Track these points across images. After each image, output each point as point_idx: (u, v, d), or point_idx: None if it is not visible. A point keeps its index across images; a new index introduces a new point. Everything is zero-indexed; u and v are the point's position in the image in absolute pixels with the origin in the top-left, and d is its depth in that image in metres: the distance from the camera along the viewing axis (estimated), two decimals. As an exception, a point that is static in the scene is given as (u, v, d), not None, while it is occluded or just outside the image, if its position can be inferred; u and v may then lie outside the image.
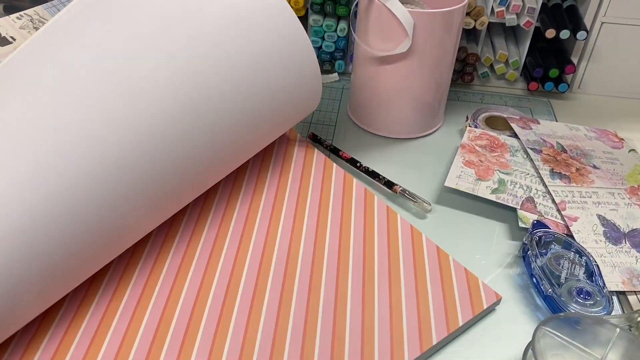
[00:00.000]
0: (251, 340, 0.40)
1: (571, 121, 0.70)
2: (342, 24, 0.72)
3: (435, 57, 0.60)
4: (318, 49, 0.74)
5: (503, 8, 0.69)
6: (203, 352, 0.39)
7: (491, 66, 0.76)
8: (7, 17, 0.64)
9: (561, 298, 0.45)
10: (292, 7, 0.70)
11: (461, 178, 0.56)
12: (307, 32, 0.74)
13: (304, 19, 0.74)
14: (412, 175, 0.60)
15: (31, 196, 0.35)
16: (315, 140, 0.62)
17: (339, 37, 0.73)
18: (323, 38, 0.73)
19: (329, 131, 0.66)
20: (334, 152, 0.61)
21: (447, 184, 0.56)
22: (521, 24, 0.70)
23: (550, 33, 0.68)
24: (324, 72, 0.76)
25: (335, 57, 0.75)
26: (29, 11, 0.66)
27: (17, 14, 0.64)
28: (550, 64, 0.73)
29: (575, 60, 0.73)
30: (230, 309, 0.42)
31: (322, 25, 0.72)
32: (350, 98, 0.69)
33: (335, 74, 0.76)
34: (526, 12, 0.69)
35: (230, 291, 0.43)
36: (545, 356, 0.39)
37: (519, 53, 0.75)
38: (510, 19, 0.70)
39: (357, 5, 0.61)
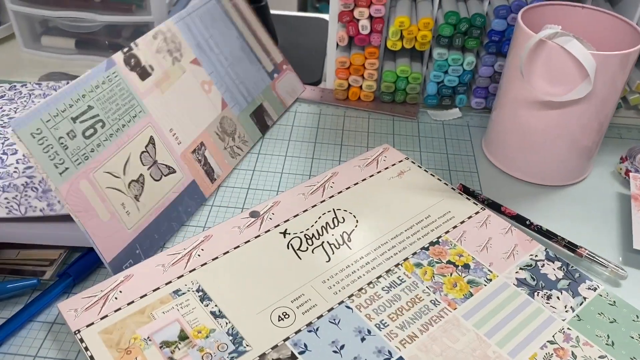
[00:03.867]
0: None
1: None
2: (470, 58, 0.65)
3: (604, 99, 0.54)
4: (438, 84, 0.68)
5: (648, 36, 0.64)
6: None
7: (623, 97, 0.70)
8: (143, 37, 0.54)
9: None
10: (418, 41, 0.65)
11: (648, 237, 0.51)
12: (428, 66, 0.68)
13: (419, 53, 0.68)
14: (578, 230, 0.54)
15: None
16: (467, 192, 0.56)
17: (464, 70, 0.66)
18: (446, 72, 0.67)
19: (472, 179, 0.60)
20: (492, 207, 0.55)
21: (636, 246, 0.50)
22: (666, 53, 0.64)
23: None
24: (442, 107, 0.70)
25: (457, 91, 0.69)
26: (162, 27, 0.56)
27: (152, 33, 0.55)
28: (691, 93, 0.67)
29: None
30: None
31: (447, 59, 0.66)
32: (489, 139, 0.63)
33: (457, 110, 0.70)
34: (673, 40, 0.64)
35: None
36: None
37: (653, 82, 0.69)
38: (654, 48, 0.64)
39: (510, 42, 0.55)
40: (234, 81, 0.62)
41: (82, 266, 0.46)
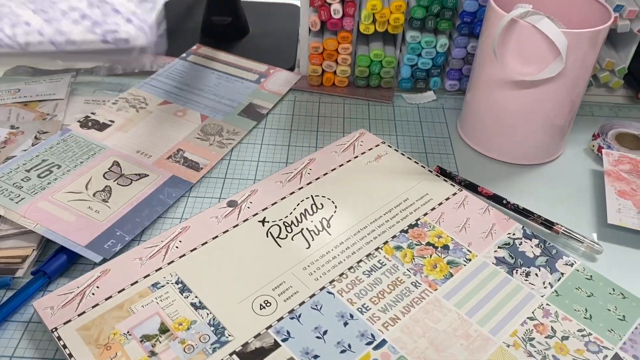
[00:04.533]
0: None
1: (692, 131, 0.65)
2: (443, 40, 0.65)
3: (575, 77, 0.54)
4: (412, 67, 0.68)
5: (616, 14, 0.64)
6: None
7: (594, 75, 0.71)
8: (103, 105, 0.58)
9: None
10: (390, 24, 0.64)
11: (622, 212, 0.51)
12: (401, 49, 0.68)
13: (392, 36, 0.68)
14: (554, 207, 0.55)
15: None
16: (444, 174, 0.56)
17: (437, 53, 0.66)
18: (419, 55, 0.67)
19: (449, 161, 0.60)
20: (469, 187, 0.55)
21: (610, 221, 0.51)
22: (635, 30, 0.65)
23: (670, 39, 0.64)
24: (417, 90, 0.70)
25: (431, 74, 0.69)
26: (124, 94, 0.60)
27: (112, 100, 0.59)
28: (658, 70, 0.68)
29: (686, 65, 0.69)
30: None
31: (420, 42, 0.65)
32: (463, 121, 0.63)
33: (431, 92, 0.70)
34: (641, 17, 0.65)
35: None
36: None
37: (622, 60, 0.70)
38: (623, 26, 0.65)
39: (482, 23, 0.55)
40: (212, 100, 0.63)
41: (57, 263, 0.45)
